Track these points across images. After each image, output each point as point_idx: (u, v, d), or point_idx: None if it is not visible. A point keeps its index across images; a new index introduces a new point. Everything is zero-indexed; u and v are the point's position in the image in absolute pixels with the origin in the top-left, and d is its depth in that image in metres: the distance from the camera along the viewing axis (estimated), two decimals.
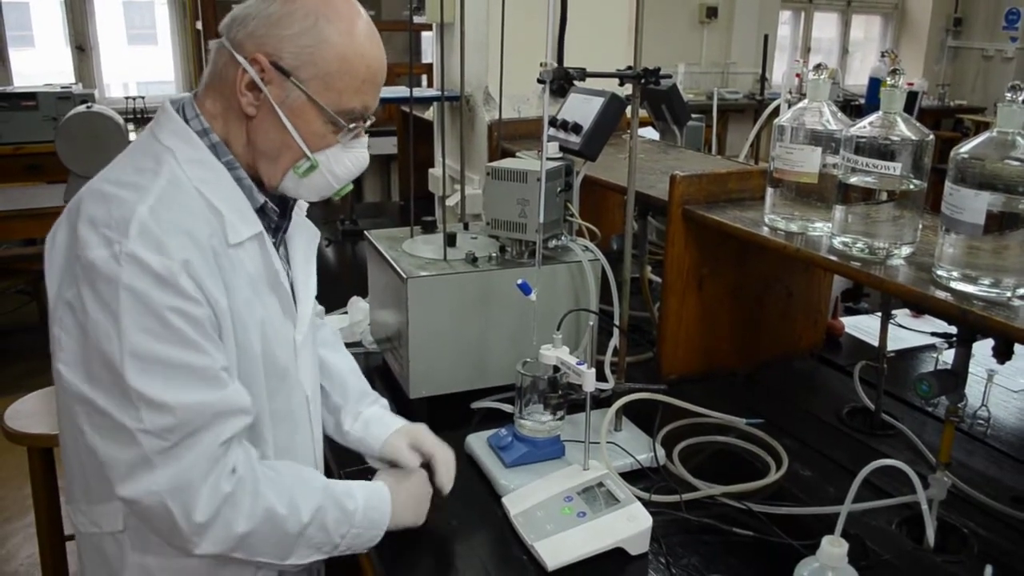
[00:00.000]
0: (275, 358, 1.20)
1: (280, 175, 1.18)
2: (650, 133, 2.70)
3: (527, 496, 1.38)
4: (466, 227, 1.93)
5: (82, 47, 5.64)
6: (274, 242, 1.23)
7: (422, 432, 1.41)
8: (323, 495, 1.19)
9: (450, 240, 1.75)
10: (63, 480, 2.28)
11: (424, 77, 5.10)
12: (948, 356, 1.61)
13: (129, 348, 1.01)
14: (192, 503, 1.05)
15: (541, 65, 1.48)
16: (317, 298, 1.35)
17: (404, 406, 1.47)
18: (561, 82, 1.49)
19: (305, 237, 1.33)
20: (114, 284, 1.00)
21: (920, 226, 1.38)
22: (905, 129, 1.34)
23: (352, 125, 1.18)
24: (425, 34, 5.38)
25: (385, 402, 1.50)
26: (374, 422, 1.43)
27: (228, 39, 1.14)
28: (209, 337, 1.07)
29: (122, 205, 1.04)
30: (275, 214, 1.23)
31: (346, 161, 1.21)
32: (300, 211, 1.34)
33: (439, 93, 2.67)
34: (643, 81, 1.46)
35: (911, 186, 1.35)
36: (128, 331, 1.01)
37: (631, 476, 1.49)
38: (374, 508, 1.25)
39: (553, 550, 1.27)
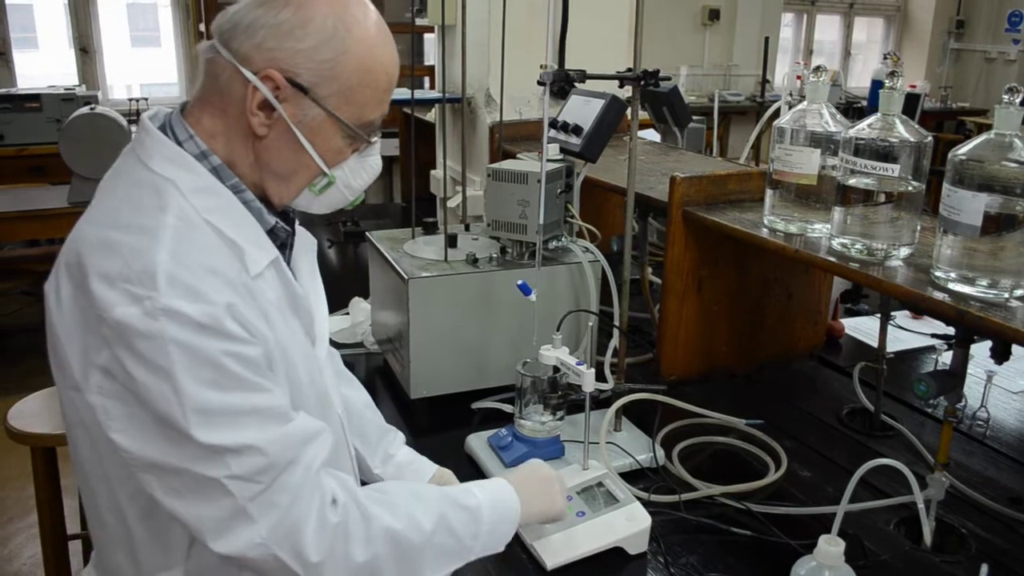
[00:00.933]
0: (316, 384, 1.12)
1: (294, 194, 1.10)
2: (651, 135, 2.71)
3: None
4: (467, 228, 1.94)
5: (86, 49, 5.66)
6: (285, 260, 1.13)
7: (454, 478, 1.37)
8: (440, 501, 1.10)
9: (451, 241, 1.76)
10: (66, 480, 2.31)
11: (426, 79, 5.12)
12: (947, 357, 1.61)
13: (192, 405, 0.90)
14: (302, 545, 0.96)
15: (542, 67, 1.48)
16: None
17: (405, 406, 1.47)
18: (562, 84, 1.50)
19: (305, 248, 1.23)
20: (158, 341, 0.89)
21: (918, 227, 1.39)
22: (904, 131, 1.34)
23: (372, 138, 1.11)
24: (427, 36, 5.40)
25: (402, 436, 1.44)
26: (406, 468, 1.37)
27: (229, 50, 1.01)
28: (268, 375, 0.98)
29: (137, 255, 0.92)
30: (284, 233, 1.13)
31: (362, 172, 1.14)
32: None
33: (441, 95, 2.68)
34: (643, 83, 1.47)
35: (909, 188, 1.35)
36: (186, 387, 0.90)
37: (630, 476, 1.49)
38: (500, 501, 1.16)
39: (552, 549, 1.27)
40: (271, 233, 1.08)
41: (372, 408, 1.43)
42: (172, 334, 0.89)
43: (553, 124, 1.79)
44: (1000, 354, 1.34)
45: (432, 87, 4.71)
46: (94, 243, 0.95)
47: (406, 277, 1.62)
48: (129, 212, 0.98)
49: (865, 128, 1.37)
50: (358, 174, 1.13)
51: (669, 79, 1.60)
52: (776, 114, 1.92)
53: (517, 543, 1.32)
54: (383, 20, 1.08)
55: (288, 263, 1.15)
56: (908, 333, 2.21)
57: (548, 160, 1.57)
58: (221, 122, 1.04)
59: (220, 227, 1.00)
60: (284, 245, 1.14)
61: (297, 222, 1.23)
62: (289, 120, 1.02)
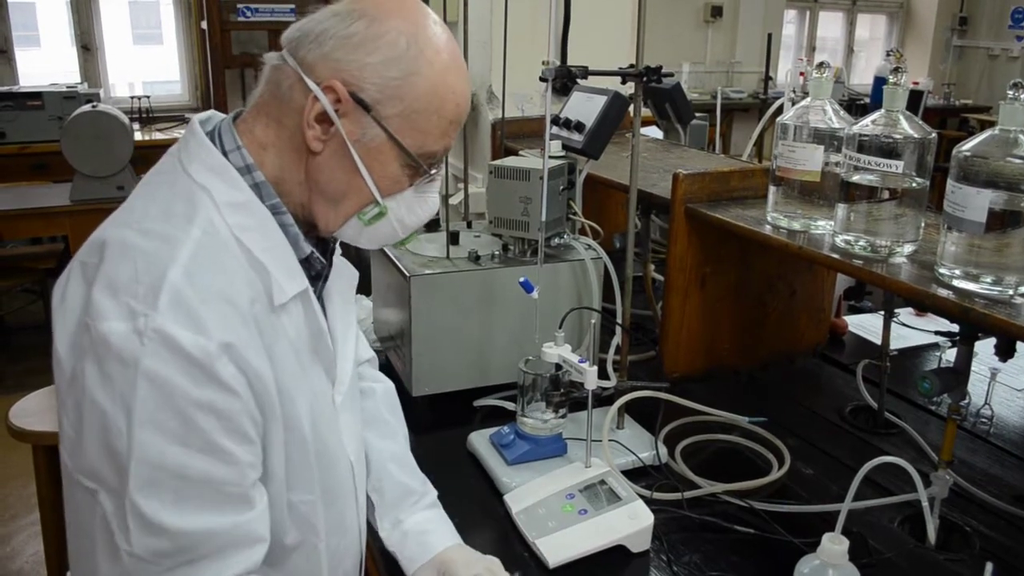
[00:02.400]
0: (322, 434, 1.04)
1: (341, 221, 1.03)
2: (654, 132, 2.70)
3: (529, 493, 1.38)
4: (469, 225, 1.93)
5: (88, 47, 5.66)
6: (315, 293, 1.05)
7: (456, 563, 1.20)
8: None
9: (453, 238, 1.75)
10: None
11: None
12: (951, 355, 1.61)
13: (139, 452, 0.83)
14: None
15: (544, 64, 1.48)
16: None
17: (407, 404, 1.47)
18: (564, 80, 1.50)
19: (343, 280, 1.14)
20: (130, 368, 0.83)
21: (923, 224, 1.38)
22: (908, 127, 1.34)
23: (433, 171, 1.04)
24: None
25: (430, 498, 1.31)
26: (412, 539, 1.24)
27: (296, 58, 0.96)
28: (241, 436, 0.90)
29: (150, 264, 0.87)
30: (320, 264, 1.06)
31: (417, 209, 1.05)
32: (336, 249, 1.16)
33: None
34: (645, 79, 1.46)
35: (913, 184, 1.35)
36: (140, 430, 0.83)
37: (633, 474, 1.49)
38: None
39: (555, 547, 1.27)
40: (305, 263, 1.02)
41: (400, 462, 1.31)
42: (148, 365, 0.83)
43: (555, 121, 1.78)
44: (1004, 351, 1.33)
45: None
46: (114, 243, 0.90)
47: (408, 274, 1.61)
48: (156, 216, 0.93)
49: (869, 124, 1.36)
50: (413, 210, 1.05)
51: (672, 75, 1.59)
52: (779, 111, 1.91)
53: (519, 541, 1.32)
54: (457, 45, 1.02)
55: (320, 296, 1.09)
56: (911, 330, 2.21)
57: (550, 157, 1.57)
58: (275, 132, 0.99)
59: (250, 247, 0.94)
60: (317, 277, 1.07)
61: (339, 253, 1.17)
62: (346, 137, 0.97)
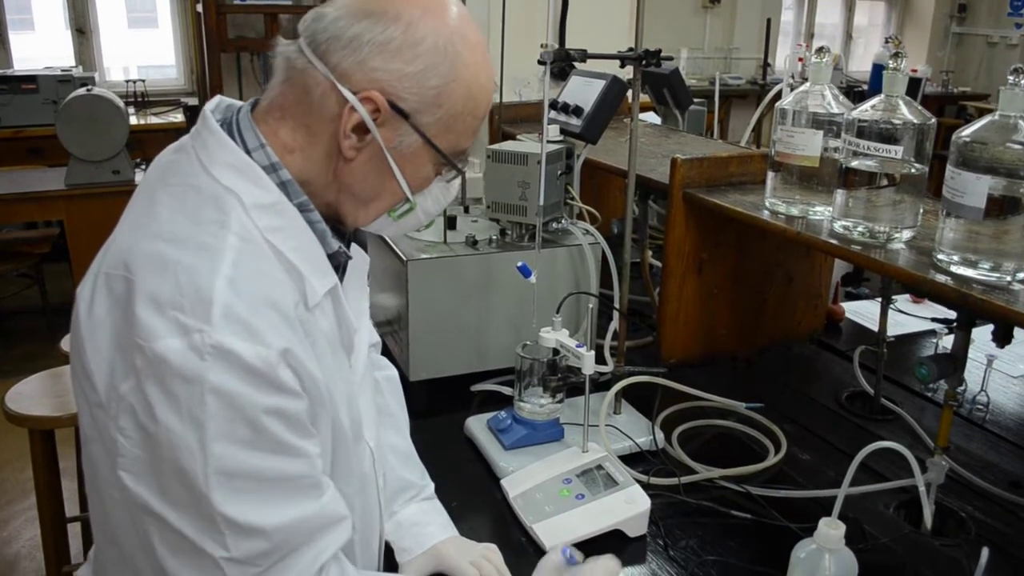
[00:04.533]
0: (355, 423, 1.05)
1: (371, 219, 1.02)
2: (652, 118, 2.69)
3: (526, 478, 1.38)
4: (466, 210, 1.93)
5: (82, 30, 5.62)
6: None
7: (451, 554, 1.22)
8: None
9: (450, 223, 1.75)
10: (65, 462, 2.31)
11: None
12: (948, 341, 1.61)
13: (216, 465, 0.82)
14: None
15: (542, 47, 1.47)
16: None
17: (405, 389, 1.46)
18: (562, 64, 1.49)
19: (357, 267, 1.12)
20: (196, 385, 0.81)
21: (921, 210, 1.38)
22: (907, 112, 1.33)
23: (461, 164, 1.04)
24: None
25: (428, 491, 1.32)
26: (407, 531, 1.25)
27: (327, 64, 0.92)
28: (306, 433, 0.90)
29: (193, 276, 0.84)
30: (344, 257, 1.04)
31: (441, 197, 1.06)
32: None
33: None
34: (644, 63, 1.46)
35: (912, 170, 1.34)
36: (215, 444, 0.82)
37: (630, 459, 1.49)
38: None
39: (551, 532, 1.27)
40: (331, 257, 1.00)
41: (401, 456, 1.32)
42: (214, 381, 0.81)
43: (553, 105, 1.77)
44: (1002, 337, 1.33)
45: None
46: (146, 257, 0.86)
47: (405, 259, 1.61)
48: (186, 224, 0.89)
49: (868, 110, 1.36)
50: (437, 199, 1.06)
51: (671, 59, 1.59)
52: (777, 97, 1.90)
53: (516, 526, 1.32)
54: (482, 35, 1.00)
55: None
56: (908, 317, 2.21)
57: (548, 141, 1.56)
58: (304, 138, 0.96)
59: (282, 249, 0.92)
60: (339, 268, 1.05)
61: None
62: (383, 144, 0.95)
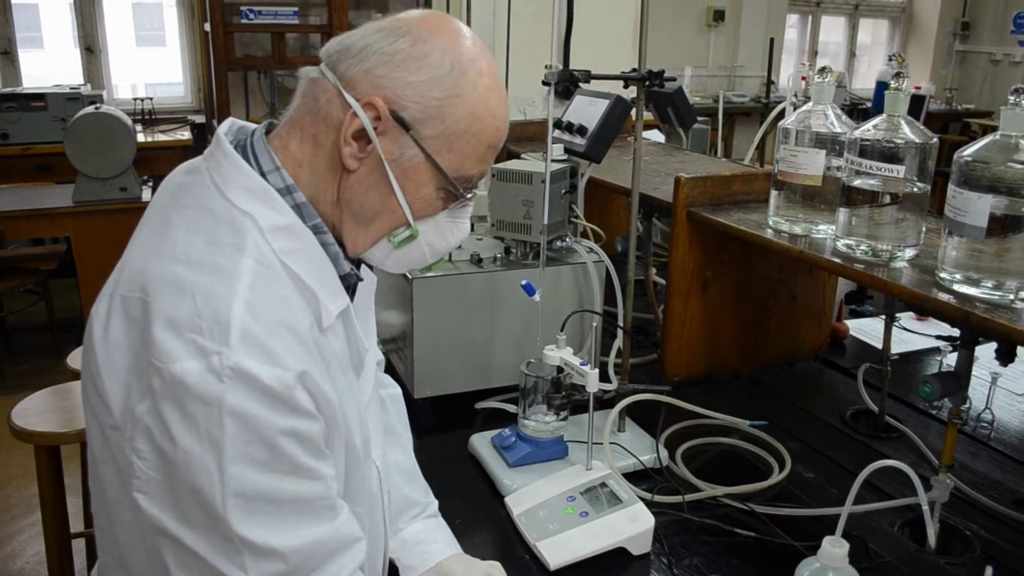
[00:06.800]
0: (364, 439, 1.05)
1: (370, 242, 1.01)
2: (656, 136, 2.71)
3: (530, 496, 1.38)
4: (471, 228, 1.94)
5: (91, 48, 5.67)
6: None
7: (455, 572, 1.22)
8: None
9: None
10: (70, 478, 2.31)
11: None
12: (952, 359, 1.61)
13: (234, 487, 0.82)
14: None
15: (546, 67, 1.48)
16: None
17: (408, 406, 1.47)
18: (566, 84, 1.50)
19: (365, 287, 1.12)
20: (214, 407, 0.81)
21: (924, 229, 1.39)
22: (909, 132, 1.34)
23: (468, 195, 1.02)
24: None
25: (434, 507, 1.33)
26: (410, 548, 1.25)
27: (336, 73, 0.95)
28: (321, 455, 0.91)
29: (210, 299, 0.84)
30: (354, 279, 1.04)
31: (448, 234, 1.04)
32: None
33: None
34: (647, 83, 1.47)
35: (915, 189, 1.35)
36: (232, 466, 0.82)
37: (634, 477, 1.49)
38: None
39: (555, 550, 1.27)
40: (342, 278, 1.00)
41: (406, 475, 1.32)
42: (232, 403, 0.81)
43: (558, 124, 1.79)
44: (1005, 355, 1.34)
45: None
46: (162, 280, 0.87)
47: (410, 276, 1.62)
48: (202, 247, 0.89)
49: (870, 129, 1.37)
50: (443, 234, 1.04)
51: (674, 80, 1.60)
52: (781, 115, 1.92)
53: (520, 544, 1.32)
54: (497, 70, 1.01)
55: None
56: (912, 335, 2.21)
57: (552, 160, 1.57)
58: (310, 149, 0.97)
59: (298, 272, 0.93)
60: (349, 288, 1.04)
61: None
62: (383, 156, 0.95)
